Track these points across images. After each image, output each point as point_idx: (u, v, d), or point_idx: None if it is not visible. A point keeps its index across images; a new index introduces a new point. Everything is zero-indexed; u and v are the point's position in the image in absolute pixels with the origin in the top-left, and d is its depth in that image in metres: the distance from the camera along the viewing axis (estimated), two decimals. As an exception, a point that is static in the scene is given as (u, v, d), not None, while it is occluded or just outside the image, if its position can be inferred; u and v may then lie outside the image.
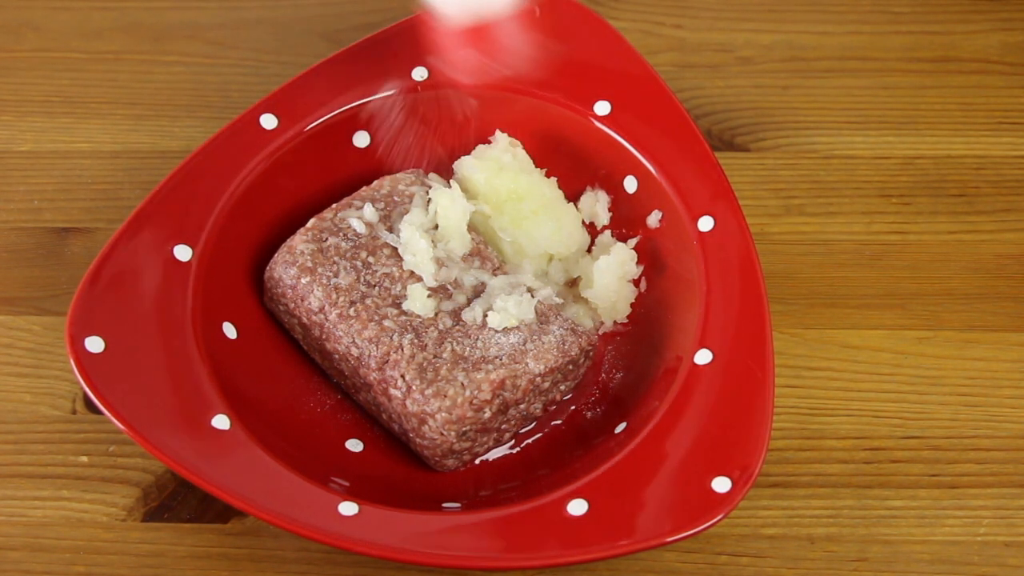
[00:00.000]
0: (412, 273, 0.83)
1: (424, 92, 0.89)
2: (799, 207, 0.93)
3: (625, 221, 0.89)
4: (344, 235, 0.84)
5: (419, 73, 0.89)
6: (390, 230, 0.85)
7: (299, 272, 0.83)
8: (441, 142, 0.90)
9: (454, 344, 0.81)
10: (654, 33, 1.02)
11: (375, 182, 0.87)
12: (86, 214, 0.93)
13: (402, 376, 0.80)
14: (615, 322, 0.87)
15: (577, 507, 0.76)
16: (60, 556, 0.80)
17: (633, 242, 0.88)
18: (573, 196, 0.90)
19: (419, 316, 0.82)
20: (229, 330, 0.83)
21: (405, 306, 0.82)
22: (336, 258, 0.83)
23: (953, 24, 1.02)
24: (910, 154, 0.96)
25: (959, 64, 1.00)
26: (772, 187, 0.94)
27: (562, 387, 0.84)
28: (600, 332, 0.87)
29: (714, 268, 0.83)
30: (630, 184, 0.88)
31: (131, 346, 0.79)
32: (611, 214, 0.89)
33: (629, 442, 0.78)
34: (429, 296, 0.82)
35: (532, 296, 0.83)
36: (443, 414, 0.79)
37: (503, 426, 0.82)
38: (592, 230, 0.90)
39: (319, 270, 0.83)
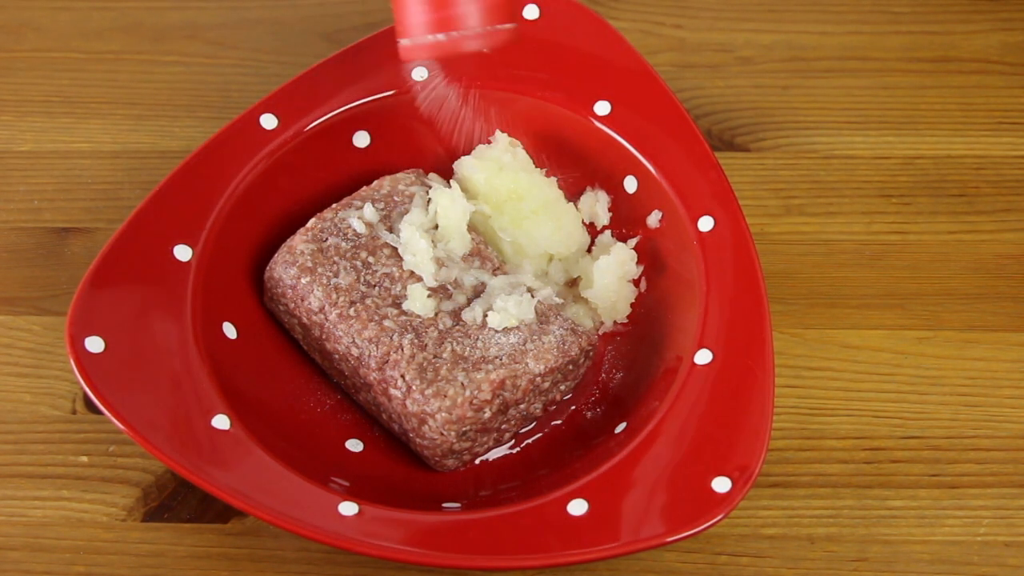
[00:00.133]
0: (412, 273, 0.83)
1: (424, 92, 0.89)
2: (799, 207, 0.93)
3: (625, 221, 0.89)
4: (344, 235, 0.84)
5: (419, 73, 0.89)
6: (390, 230, 0.85)
7: (299, 272, 0.83)
8: (441, 142, 0.90)
9: (454, 344, 0.81)
10: (654, 33, 1.02)
11: (375, 182, 0.87)
12: (86, 214, 0.93)
13: (402, 376, 0.80)
14: (615, 322, 0.87)
15: (577, 507, 0.76)
16: (60, 556, 0.80)
17: (633, 242, 0.88)
18: (573, 196, 0.90)
19: (419, 316, 0.82)
20: (229, 330, 0.83)
21: (405, 306, 0.82)
22: (336, 258, 0.83)
23: (953, 24, 1.02)
24: (910, 154, 0.96)
25: (959, 64, 1.00)
26: (772, 187, 0.94)
27: (562, 387, 0.84)
28: (600, 332, 0.87)
29: (714, 268, 0.83)
30: (630, 184, 0.88)
31: (131, 346, 0.79)
32: (611, 214, 0.89)
33: (629, 442, 0.78)
34: (429, 296, 0.82)
35: (532, 296, 0.83)
36: (443, 414, 0.79)
37: (503, 426, 0.82)
38: (592, 230, 0.90)
39: (319, 270, 0.83)
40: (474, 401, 0.79)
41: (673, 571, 0.80)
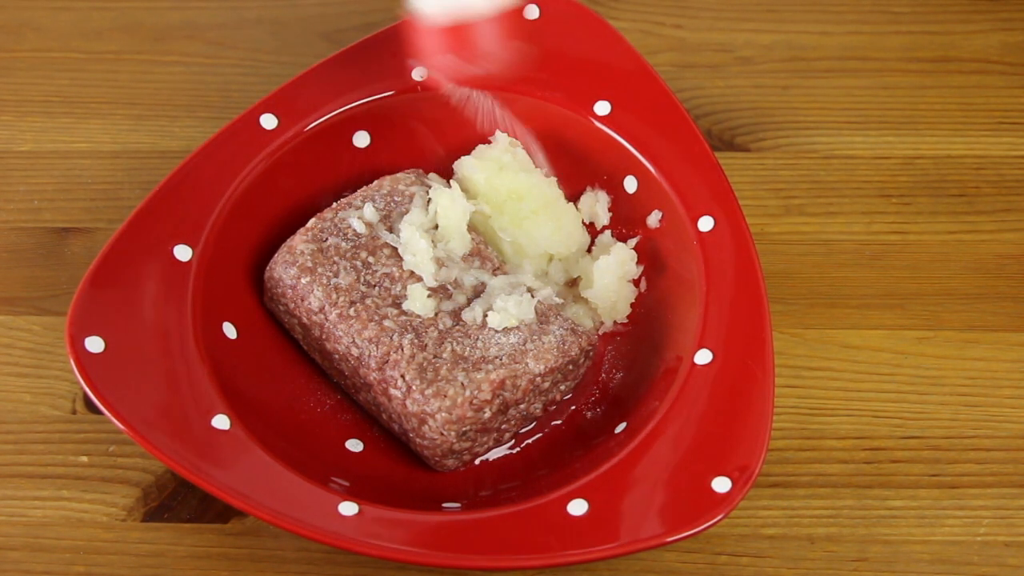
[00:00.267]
0: (412, 273, 0.83)
1: (424, 92, 0.89)
2: (799, 207, 0.93)
3: (625, 221, 0.89)
4: (344, 235, 0.84)
5: (419, 73, 0.89)
6: (390, 230, 0.85)
7: (299, 272, 0.83)
8: (441, 142, 0.90)
9: (454, 344, 0.81)
10: (654, 33, 1.02)
11: (375, 182, 0.87)
12: (86, 214, 0.93)
13: (402, 376, 0.80)
14: (615, 322, 0.87)
15: (577, 507, 0.76)
16: (60, 556, 0.80)
17: (633, 242, 0.88)
18: (573, 196, 0.90)
19: (419, 316, 0.82)
20: (229, 330, 0.83)
21: (405, 306, 0.82)
22: (336, 258, 0.83)
23: (953, 24, 1.02)
24: (910, 154, 0.96)
25: (959, 64, 1.00)
26: (772, 187, 0.94)
27: (562, 387, 0.84)
28: (600, 332, 0.87)
29: (714, 268, 0.83)
30: (630, 184, 0.88)
31: (131, 346, 0.79)
32: (611, 214, 0.89)
33: (629, 442, 0.78)
34: (429, 296, 0.82)
35: (532, 296, 0.83)
36: (443, 414, 0.79)
37: (503, 426, 0.82)
38: (592, 230, 0.90)
39: (319, 270, 0.83)
40: (474, 401, 0.79)
41: (673, 571, 0.80)
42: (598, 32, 0.91)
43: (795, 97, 0.98)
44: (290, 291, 0.83)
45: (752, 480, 0.75)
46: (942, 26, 1.02)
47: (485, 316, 0.82)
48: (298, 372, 0.85)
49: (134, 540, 0.81)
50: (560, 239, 0.87)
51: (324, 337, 0.83)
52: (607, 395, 0.85)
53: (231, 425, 0.78)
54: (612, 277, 0.86)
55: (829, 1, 1.03)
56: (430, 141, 0.90)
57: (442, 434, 0.80)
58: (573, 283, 0.89)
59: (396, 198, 0.86)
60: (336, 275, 0.83)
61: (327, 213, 0.85)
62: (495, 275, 0.84)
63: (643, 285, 0.87)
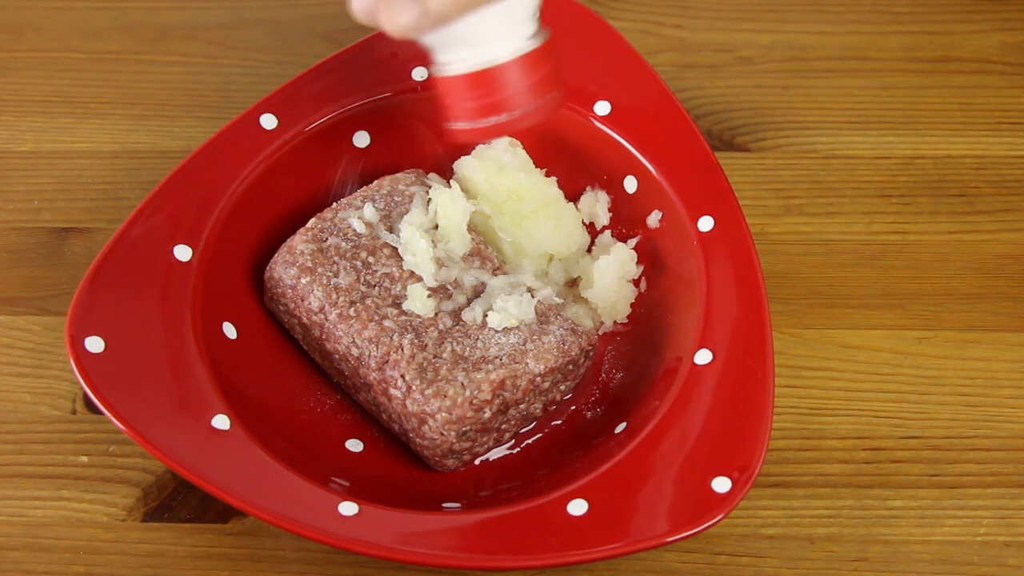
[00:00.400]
0: (412, 273, 0.83)
1: (424, 92, 0.89)
2: (799, 207, 0.93)
3: (625, 221, 0.89)
4: (344, 235, 0.84)
5: (419, 73, 0.89)
6: (390, 230, 0.85)
7: (299, 272, 0.83)
8: (441, 142, 0.90)
9: (454, 344, 0.81)
10: (654, 33, 1.02)
11: (375, 182, 0.87)
12: (86, 214, 0.93)
13: (402, 376, 0.80)
14: (615, 322, 0.87)
15: (577, 507, 0.76)
16: (60, 556, 0.80)
17: (633, 242, 0.88)
18: (573, 196, 0.90)
19: (419, 316, 0.82)
20: (229, 330, 0.83)
21: (405, 306, 0.82)
22: (336, 258, 0.83)
23: (953, 24, 1.02)
24: (910, 154, 0.96)
25: (959, 64, 1.00)
26: (772, 187, 0.94)
27: (562, 387, 0.84)
28: (600, 332, 0.87)
29: (714, 268, 0.83)
30: (630, 184, 0.88)
31: (131, 346, 0.79)
32: (611, 214, 0.89)
33: (629, 442, 0.78)
34: (429, 296, 0.82)
35: (532, 296, 0.83)
36: (443, 414, 0.79)
37: (503, 426, 0.82)
38: (592, 230, 0.90)
39: (319, 270, 0.83)
40: (474, 401, 0.79)
41: (673, 571, 0.80)
42: (598, 32, 0.91)
43: (795, 97, 0.98)
44: (290, 291, 0.83)
45: (752, 480, 0.75)
46: (942, 26, 1.02)
47: (485, 316, 0.82)
48: (298, 372, 0.85)
49: (134, 540, 0.81)
50: (560, 239, 0.87)
51: (324, 337, 0.83)
52: (607, 395, 0.85)
53: (231, 425, 0.78)
54: (612, 277, 0.86)
55: (829, 1, 1.03)
56: (430, 141, 0.90)
57: (442, 434, 0.80)
58: (573, 283, 0.89)
59: (396, 198, 0.86)
60: (336, 275, 0.83)
61: (327, 213, 0.85)
62: (495, 275, 0.84)
63: (643, 285, 0.87)
